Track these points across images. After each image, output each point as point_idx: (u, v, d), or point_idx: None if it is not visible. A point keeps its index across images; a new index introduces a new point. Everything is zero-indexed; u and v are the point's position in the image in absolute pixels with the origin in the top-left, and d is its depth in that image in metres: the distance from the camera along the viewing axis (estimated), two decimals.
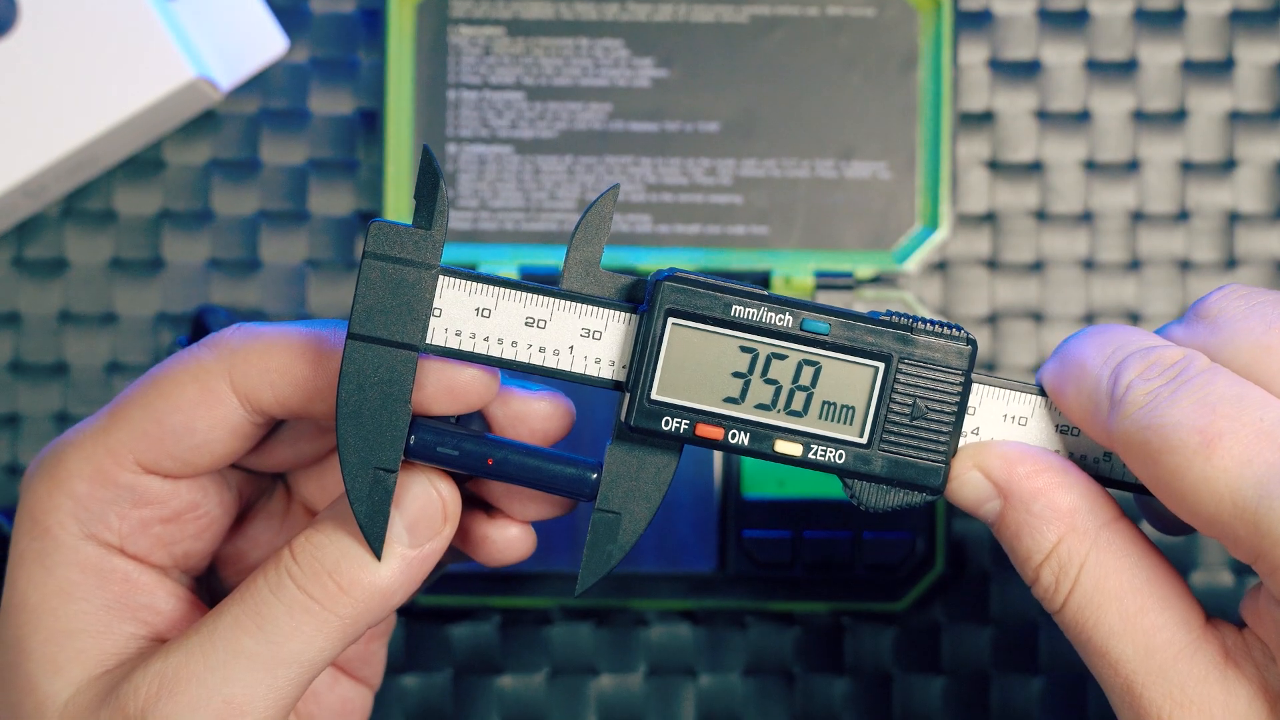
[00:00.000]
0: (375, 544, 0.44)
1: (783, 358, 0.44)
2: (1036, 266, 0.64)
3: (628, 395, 0.44)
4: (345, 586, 0.45)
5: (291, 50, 0.64)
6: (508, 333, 0.44)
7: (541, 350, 0.44)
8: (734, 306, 0.44)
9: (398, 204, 0.62)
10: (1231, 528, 0.41)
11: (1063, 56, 0.64)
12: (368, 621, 0.45)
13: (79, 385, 0.64)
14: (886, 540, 0.61)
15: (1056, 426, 0.46)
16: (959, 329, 0.45)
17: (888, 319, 0.45)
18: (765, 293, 0.44)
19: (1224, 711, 0.42)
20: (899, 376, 0.45)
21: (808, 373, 0.45)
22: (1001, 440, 0.46)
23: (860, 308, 0.62)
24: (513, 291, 0.44)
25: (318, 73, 0.64)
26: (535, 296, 0.45)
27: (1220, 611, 0.63)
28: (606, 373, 0.45)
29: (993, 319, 0.64)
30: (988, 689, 0.63)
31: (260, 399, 0.46)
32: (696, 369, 0.44)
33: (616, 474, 0.45)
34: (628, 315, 0.45)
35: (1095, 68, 0.64)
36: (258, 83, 0.64)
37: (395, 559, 0.45)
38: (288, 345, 0.46)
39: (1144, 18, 0.64)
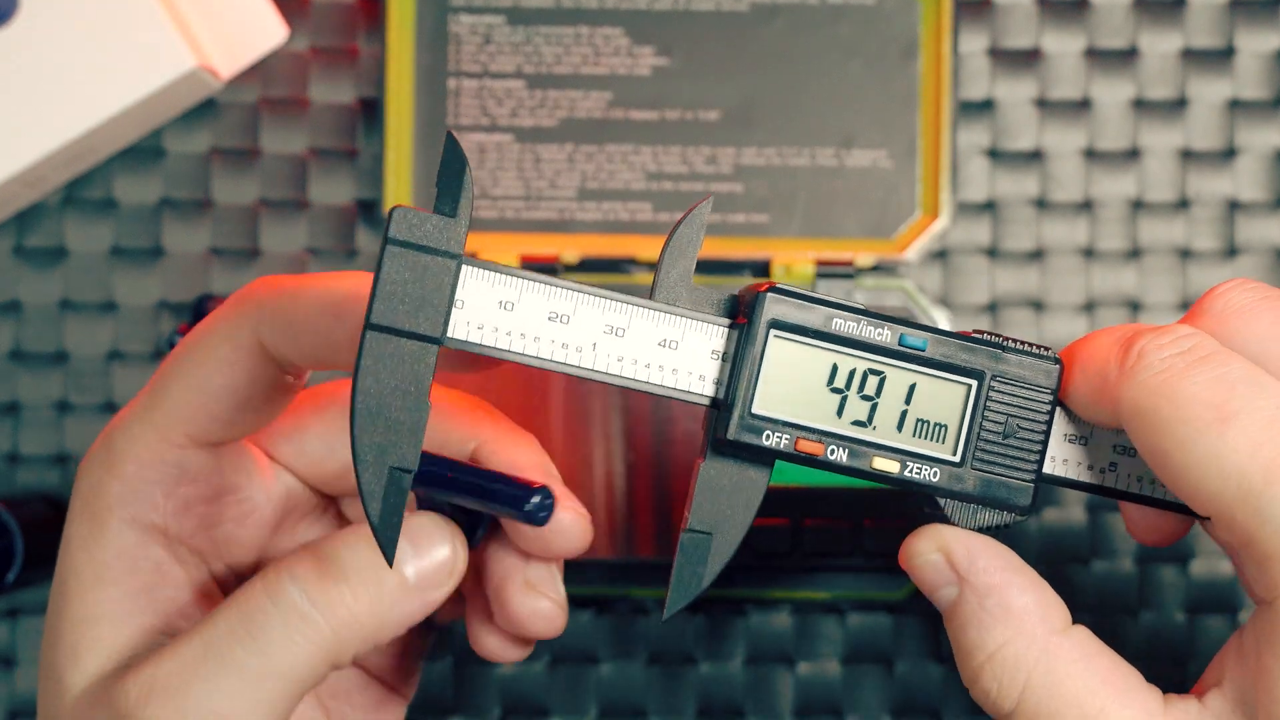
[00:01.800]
0: (388, 548, 0.42)
1: (879, 374, 0.44)
2: (1037, 255, 0.64)
3: (726, 409, 0.43)
4: (344, 593, 0.45)
5: (291, 39, 0.64)
6: (530, 327, 0.43)
7: (564, 346, 0.43)
8: (835, 320, 0.44)
9: (398, 192, 0.62)
10: (1230, 508, 0.41)
11: (1063, 45, 0.64)
12: (358, 643, 0.45)
13: (79, 373, 0.64)
14: (886, 529, 0.61)
15: (1065, 436, 0.46)
16: (1047, 349, 0.45)
17: (980, 338, 0.45)
18: (864, 307, 0.44)
19: None
20: (991, 395, 0.44)
21: (903, 389, 0.44)
22: (964, 530, 0.45)
23: (860, 297, 0.62)
24: (535, 284, 0.43)
25: (318, 61, 0.64)
26: (559, 290, 0.43)
27: (1216, 600, 0.63)
28: (696, 387, 0.44)
29: (993, 307, 0.64)
30: None
31: (287, 353, 0.46)
32: (796, 383, 0.44)
33: (708, 491, 0.44)
34: (709, 327, 0.44)
35: (1095, 56, 0.64)
36: (258, 71, 0.64)
37: (396, 588, 0.46)
38: (311, 299, 0.45)
39: (1144, 6, 0.64)
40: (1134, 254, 0.64)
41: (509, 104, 0.63)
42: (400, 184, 0.63)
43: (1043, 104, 0.64)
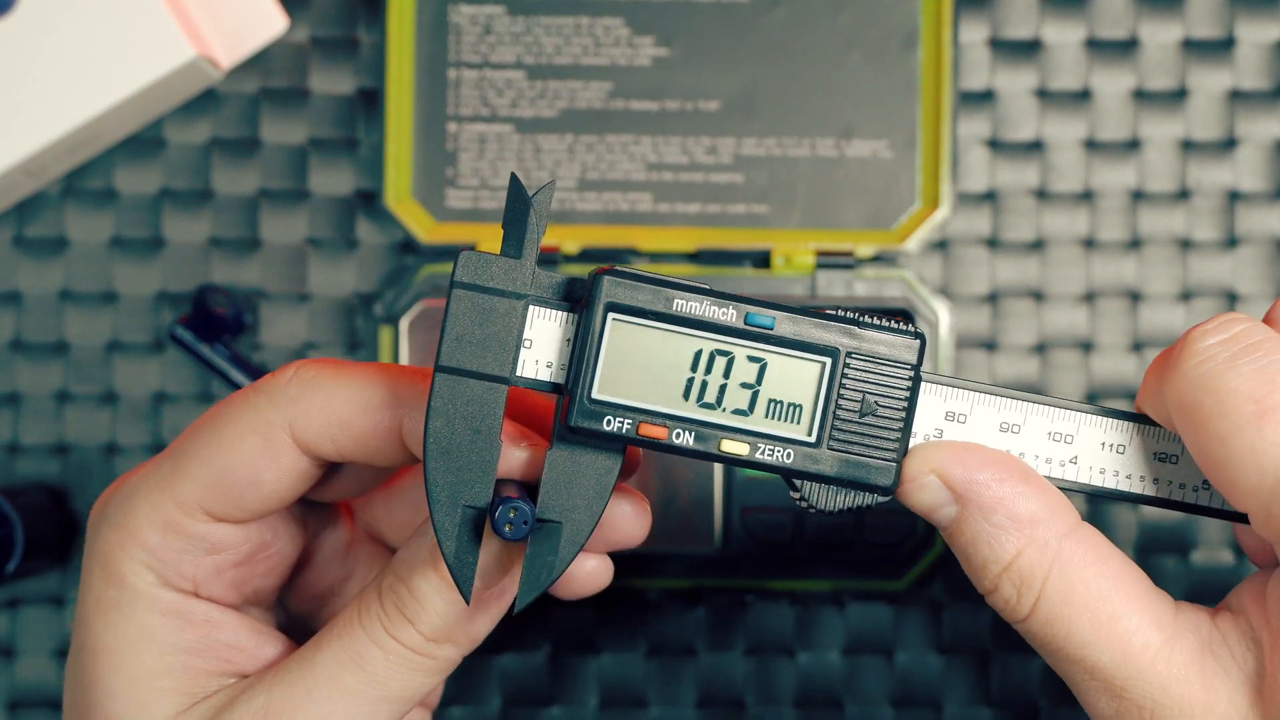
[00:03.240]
0: (464, 585, 0.43)
1: (727, 354, 0.43)
2: (1037, 245, 0.64)
3: (567, 396, 0.43)
4: (439, 640, 0.45)
5: (292, 29, 0.64)
6: None
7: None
8: (676, 301, 0.43)
9: (398, 183, 0.62)
10: (1267, 505, 0.41)
11: (1063, 35, 0.64)
12: (462, 655, 0.46)
13: (79, 364, 0.64)
14: (887, 519, 0.61)
15: (1154, 454, 0.45)
16: (908, 325, 0.44)
17: (834, 313, 0.43)
18: (708, 287, 0.43)
19: (1204, 710, 0.42)
20: (847, 372, 0.43)
21: (753, 369, 0.43)
22: (958, 442, 0.44)
23: (860, 287, 0.62)
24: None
25: (318, 51, 0.64)
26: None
27: (1218, 591, 0.63)
28: (544, 375, 0.43)
29: (993, 297, 0.64)
30: (988, 667, 0.63)
31: (321, 450, 0.46)
32: (638, 367, 0.43)
33: (557, 480, 0.43)
34: (564, 315, 0.43)
35: (1096, 47, 0.64)
36: (258, 61, 0.64)
37: (475, 603, 0.45)
38: (349, 399, 0.45)
39: None
40: (1134, 244, 0.64)
41: (509, 94, 0.63)
42: (400, 174, 0.63)
43: (1043, 94, 0.64)
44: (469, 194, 0.63)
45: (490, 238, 0.62)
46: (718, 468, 0.61)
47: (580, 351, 0.42)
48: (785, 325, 0.43)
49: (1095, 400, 0.63)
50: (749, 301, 0.43)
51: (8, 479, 0.64)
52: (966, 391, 0.45)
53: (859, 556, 0.61)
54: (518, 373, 0.43)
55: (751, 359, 0.43)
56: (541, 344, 0.43)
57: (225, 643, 0.47)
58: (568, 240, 0.63)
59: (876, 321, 0.44)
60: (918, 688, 0.63)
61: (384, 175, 0.63)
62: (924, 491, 0.44)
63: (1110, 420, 0.45)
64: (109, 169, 0.64)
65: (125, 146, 0.64)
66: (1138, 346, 0.64)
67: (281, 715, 0.45)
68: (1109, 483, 0.45)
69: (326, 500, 0.51)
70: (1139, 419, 0.45)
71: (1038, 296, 0.64)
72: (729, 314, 0.43)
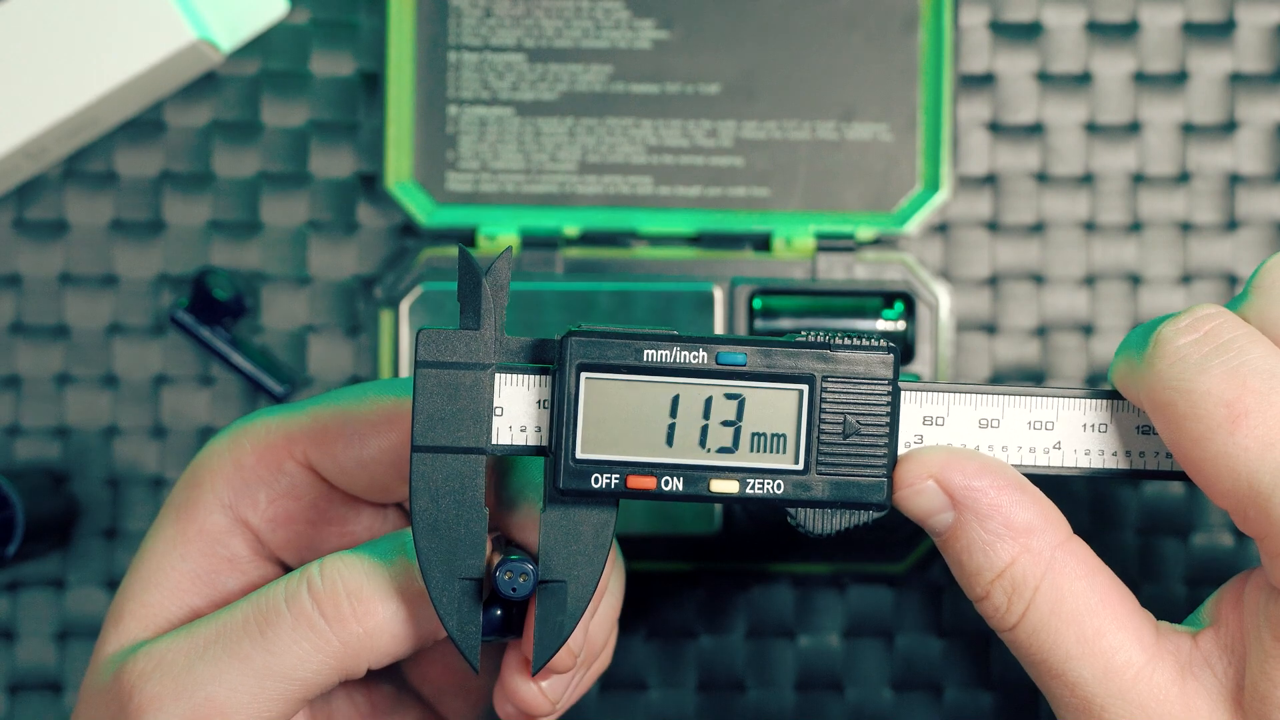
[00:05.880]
0: (471, 655, 0.43)
1: (704, 396, 0.43)
2: (1037, 228, 0.64)
3: (555, 458, 0.43)
4: (357, 613, 0.44)
5: (292, 12, 0.64)
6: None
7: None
8: (645, 351, 0.43)
9: (398, 166, 0.62)
10: (1242, 506, 0.41)
11: (1063, 18, 0.64)
12: (368, 657, 0.45)
13: (79, 347, 0.64)
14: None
15: (1136, 427, 0.45)
16: (878, 339, 0.44)
17: (804, 339, 0.44)
18: (675, 333, 0.43)
19: None
20: (825, 396, 0.43)
21: (731, 406, 0.43)
22: (954, 447, 0.44)
23: (861, 270, 0.62)
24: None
25: (318, 34, 0.64)
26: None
27: (1219, 574, 0.63)
28: (520, 439, 0.44)
29: (993, 280, 0.64)
30: (988, 650, 0.63)
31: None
32: (618, 421, 0.43)
33: (555, 540, 0.43)
34: (534, 378, 0.44)
35: (1096, 29, 0.64)
36: (258, 44, 0.64)
37: (412, 610, 0.45)
38: None
39: None
40: (1135, 227, 0.64)
41: (509, 77, 0.63)
42: (401, 157, 0.63)
43: (1043, 77, 0.64)
44: (469, 177, 0.63)
45: (490, 222, 0.62)
46: None
47: (559, 413, 0.43)
48: (757, 359, 0.44)
49: (1095, 383, 0.63)
50: (717, 340, 0.43)
51: (8, 462, 0.64)
52: (941, 394, 0.45)
53: (859, 539, 0.61)
54: (493, 441, 0.43)
55: (729, 396, 0.44)
56: (514, 410, 0.43)
57: (228, 589, 0.47)
58: (568, 223, 0.63)
59: (848, 341, 0.44)
60: (918, 671, 0.63)
61: (384, 158, 0.63)
62: (921, 497, 0.44)
63: (1088, 401, 0.45)
64: (109, 152, 0.64)
65: (125, 129, 0.64)
66: None
67: (165, 666, 0.44)
68: (1095, 463, 0.45)
69: (347, 490, 0.50)
70: (1115, 396, 0.45)
71: (1038, 279, 0.64)
72: (699, 356, 0.43)
